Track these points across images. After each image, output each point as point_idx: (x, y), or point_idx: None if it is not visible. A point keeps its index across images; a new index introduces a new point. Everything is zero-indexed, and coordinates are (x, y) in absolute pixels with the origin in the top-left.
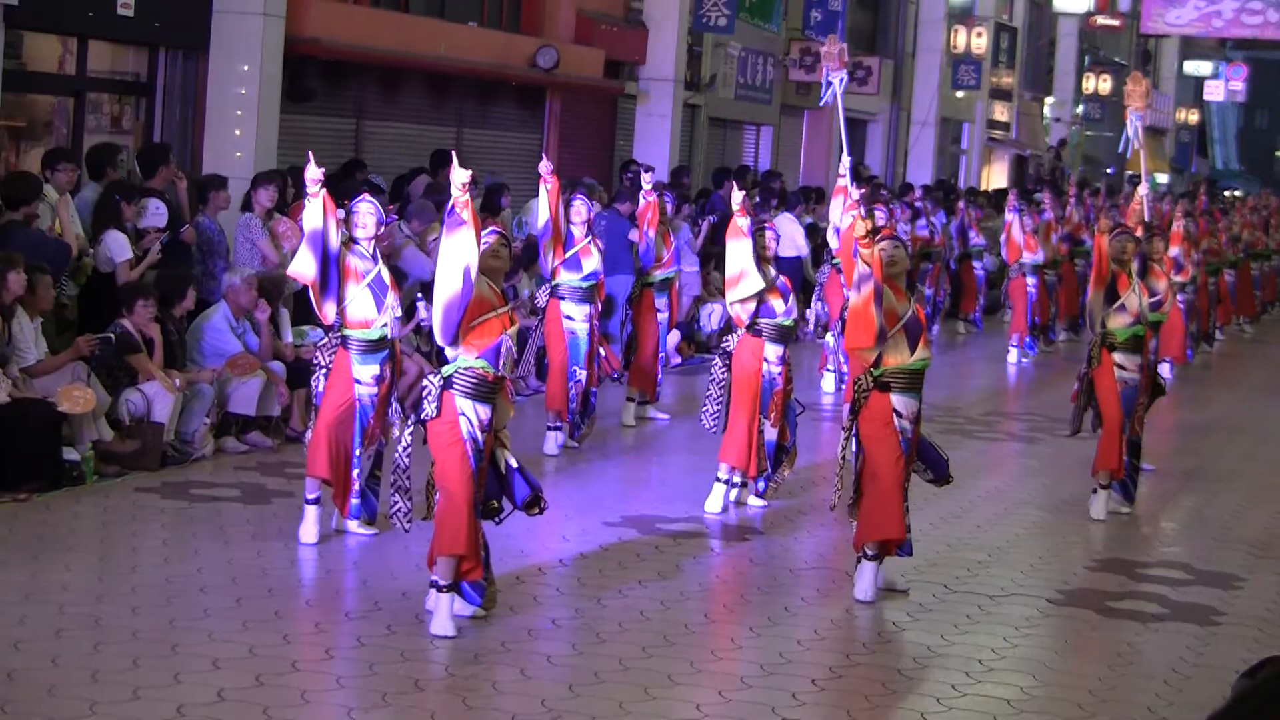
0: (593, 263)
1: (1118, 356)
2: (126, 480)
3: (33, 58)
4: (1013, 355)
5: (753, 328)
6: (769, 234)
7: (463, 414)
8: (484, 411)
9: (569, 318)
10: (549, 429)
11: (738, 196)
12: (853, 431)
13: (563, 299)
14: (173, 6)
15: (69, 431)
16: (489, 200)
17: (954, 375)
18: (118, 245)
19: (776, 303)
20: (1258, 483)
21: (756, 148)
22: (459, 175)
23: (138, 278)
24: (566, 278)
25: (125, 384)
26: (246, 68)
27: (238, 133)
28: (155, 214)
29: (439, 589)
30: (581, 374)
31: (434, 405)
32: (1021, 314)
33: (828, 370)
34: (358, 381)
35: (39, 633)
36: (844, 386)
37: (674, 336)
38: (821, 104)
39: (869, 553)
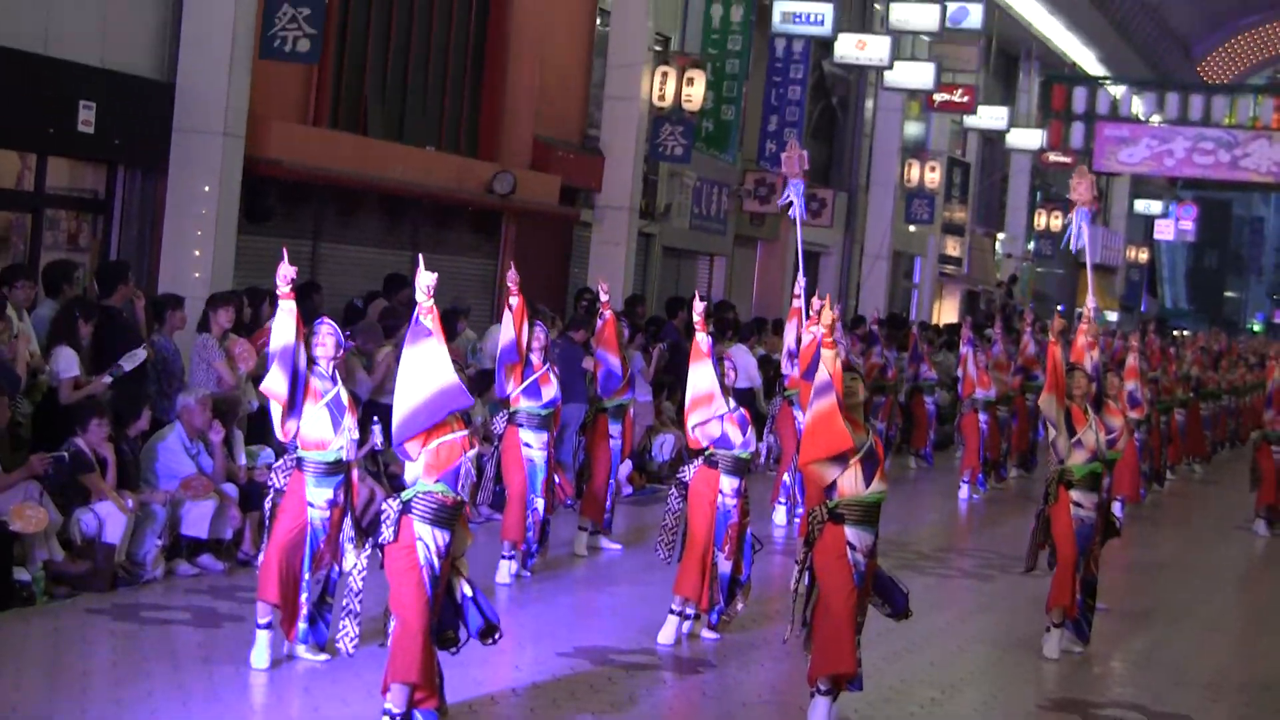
0: (551, 390)
1: (1075, 494)
2: (77, 601)
3: None
4: (964, 491)
5: (709, 459)
6: (727, 364)
7: (420, 539)
8: (442, 537)
9: (526, 445)
10: (503, 558)
11: (699, 307)
12: (806, 564)
13: (521, 426)
14: (133, 124)
15: (20, 551)
16: (445, 324)
17: (905, 510)
18: (66, 361)
19: (734, 434)
20: (1210, 623)
21: (710, 278)
22: (425, 278)
23: (80, 398)
24: (526, 405)
25: (78, 504)
26: (207, 188)
27: (197, 253)
28: (136, 361)
29: (392, 717)
30: (539, 503)
31: (391, 529)
32: (974, 450)
33: (779, 503)
34: (311, 505)
35: None
36: (797, 519)
37: (626, 466)
38: (790, 212)
39: (822, 688)
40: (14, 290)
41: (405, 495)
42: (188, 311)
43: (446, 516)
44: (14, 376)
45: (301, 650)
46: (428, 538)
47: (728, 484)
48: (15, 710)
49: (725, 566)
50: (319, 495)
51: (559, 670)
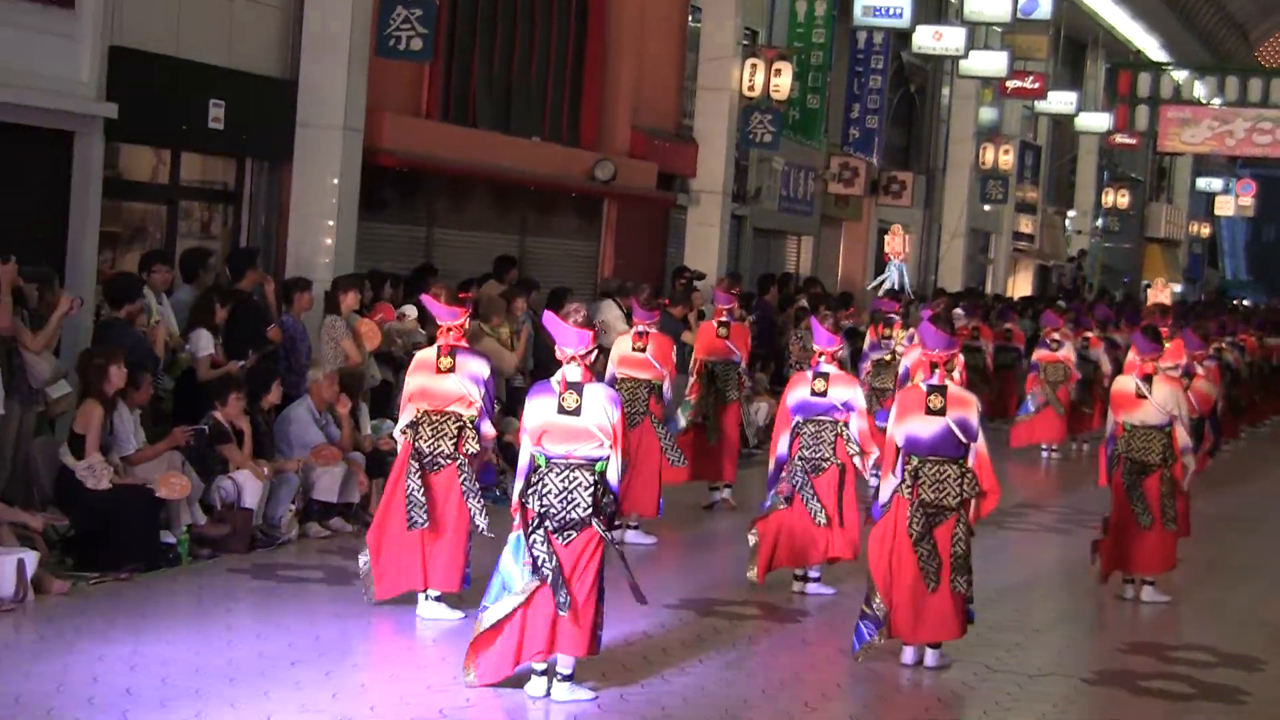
0: None
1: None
2: (219, 561)
3: (129, 168)
4: (1044, 451)
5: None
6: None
7: None
8: None
9: None
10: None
11: None
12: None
13: None
14: (259, 120)
15: (166, 516)
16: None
17: None
18: (203, 342)
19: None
20: (1274, 574)
21: (798, 256)
22: None
23: (215, 376)
24: None
25: (217, 472)
26: (333, 180)
27: (329, 241)
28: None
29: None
30: None
31: None
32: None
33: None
34: None
35: (144, 703)
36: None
37: None
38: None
39: None
40: (152, 275)
41: None
42: (314, 293)
43: None
44: (154, 356)
45: (436, 606)
46: None
47: None
48: (167, 662)
49: None
50: None
51: (668, 621)
